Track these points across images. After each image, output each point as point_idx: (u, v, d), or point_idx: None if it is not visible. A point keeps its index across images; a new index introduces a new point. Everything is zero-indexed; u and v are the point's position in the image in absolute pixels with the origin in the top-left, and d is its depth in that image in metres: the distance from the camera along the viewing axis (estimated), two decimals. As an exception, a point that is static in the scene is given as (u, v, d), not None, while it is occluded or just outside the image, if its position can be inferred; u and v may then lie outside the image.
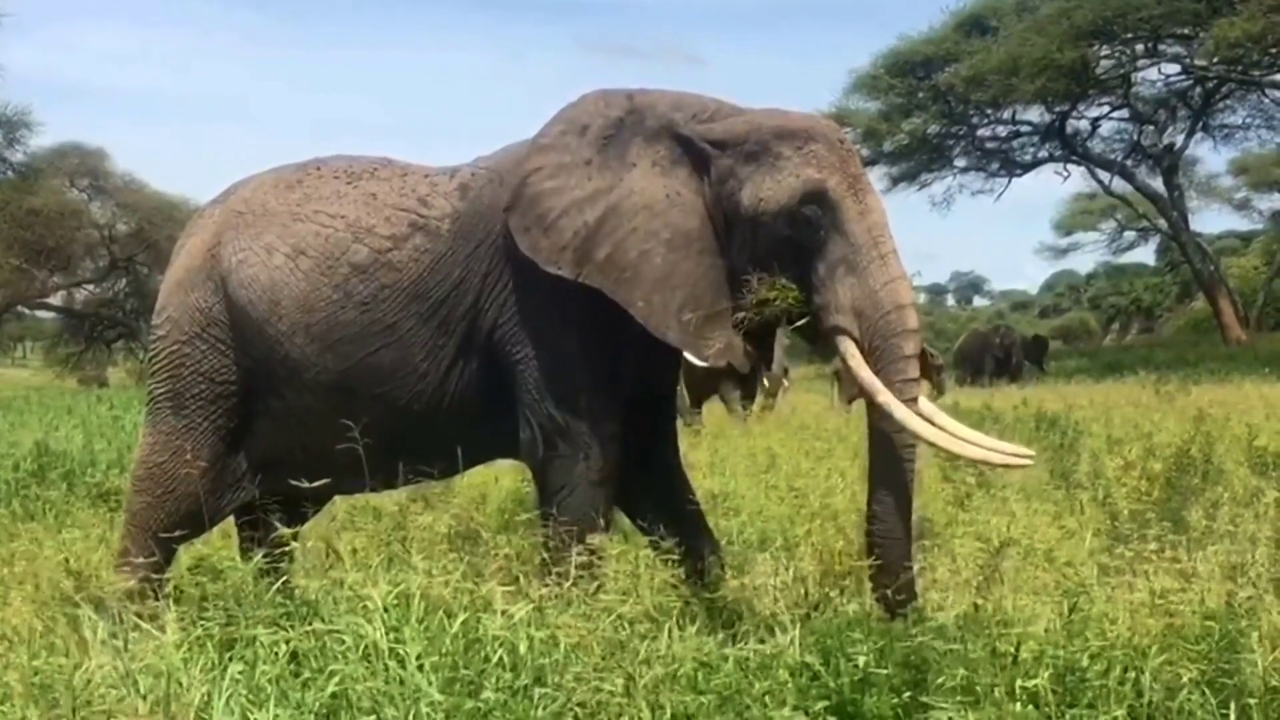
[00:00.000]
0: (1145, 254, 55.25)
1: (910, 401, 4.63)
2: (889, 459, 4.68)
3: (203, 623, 4.22)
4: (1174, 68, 36.17)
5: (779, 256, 4.77)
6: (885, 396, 4.58)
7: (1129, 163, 39.77)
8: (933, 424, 4.70)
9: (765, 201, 4.78)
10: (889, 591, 4.51)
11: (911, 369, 4.66)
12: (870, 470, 4.75)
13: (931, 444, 4.69)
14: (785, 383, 19.80)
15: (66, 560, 5.88)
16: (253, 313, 5.17)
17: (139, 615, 4.53)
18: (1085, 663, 3.76)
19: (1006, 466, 4.85)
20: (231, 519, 5.63)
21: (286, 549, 4.61)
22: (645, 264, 4.83)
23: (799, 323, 4.82)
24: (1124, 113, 39.08)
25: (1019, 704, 3.59)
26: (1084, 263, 69.15)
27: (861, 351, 4.67)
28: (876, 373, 4.62)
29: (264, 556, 4.73)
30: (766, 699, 3.65)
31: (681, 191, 4.90)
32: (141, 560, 5.17)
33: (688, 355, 5.08)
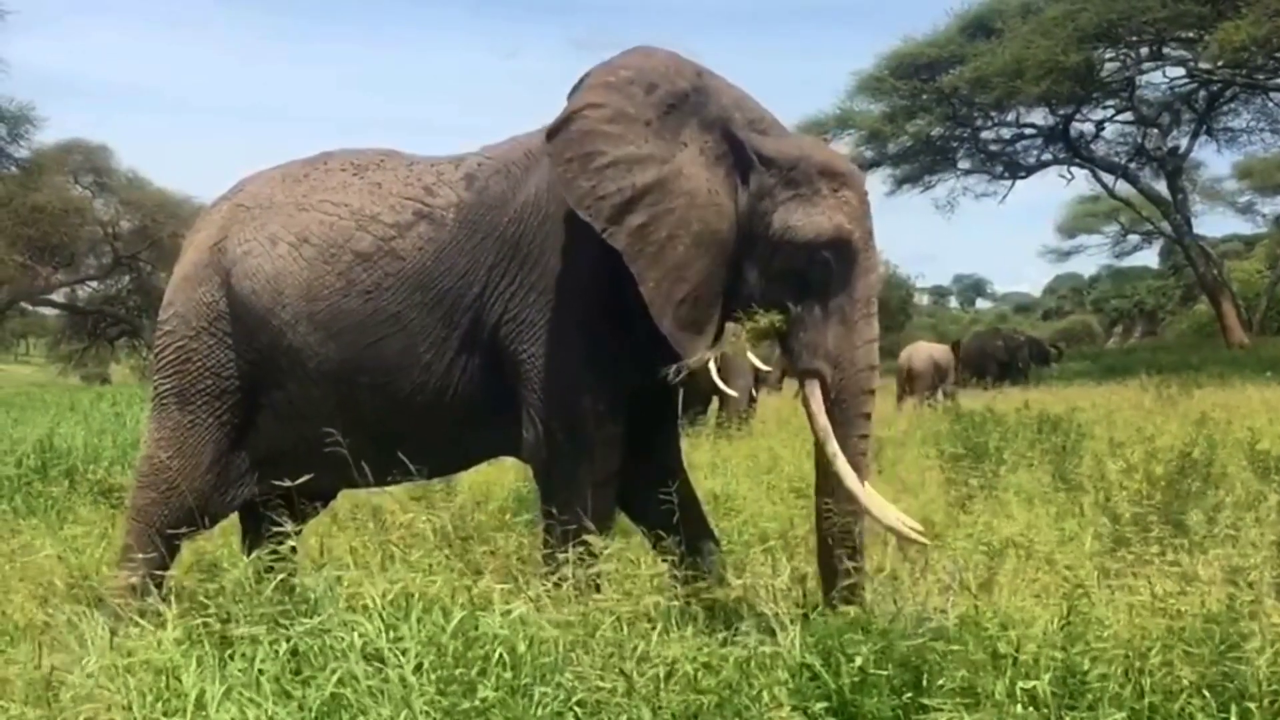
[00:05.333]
0: (1148, 257, 55.35)
1: (859, 455, 4.83)
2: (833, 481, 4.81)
3: (202, 620, 4.22)
4: (1178, 71, 36.17)
5: (784, 284, 4.84)
6: (834, 448, 4.75)
7: (1133, 166, 39.76)
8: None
9: (791, 231, 4.82)
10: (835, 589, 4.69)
11: (866, 426, 4.89)
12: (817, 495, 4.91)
13: (858, 500, 4.75)
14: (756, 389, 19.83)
15: (60, 556, 5.89)
16: (257, 303, 5.17)
17: (140, 611, 4.53)
18: (1086, 665, 3.75)
19: (907, 540, 4.91)
20: (236, 515, 5.63)
21: (287, 546, 4.61)
22: (669, 248, 4.82)
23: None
24: (1128, 116, 39.06)
25: (1019, 706, 3.59)
26: (1087, 265, 69.38)
27: (826, 396, 4.81)
28: (838, 422, 4.78)
29: (266, 553, 4.73)
30: (766, 699, 3.64)
31: (720, 190, 4.91)
32: (144, 556, 5.17)
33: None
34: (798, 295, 4.83)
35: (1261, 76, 34.58)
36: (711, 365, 5.05)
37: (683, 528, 5.05)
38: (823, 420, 4.78)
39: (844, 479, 4.71)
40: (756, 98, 5.14)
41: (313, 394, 5.16)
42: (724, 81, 5.11)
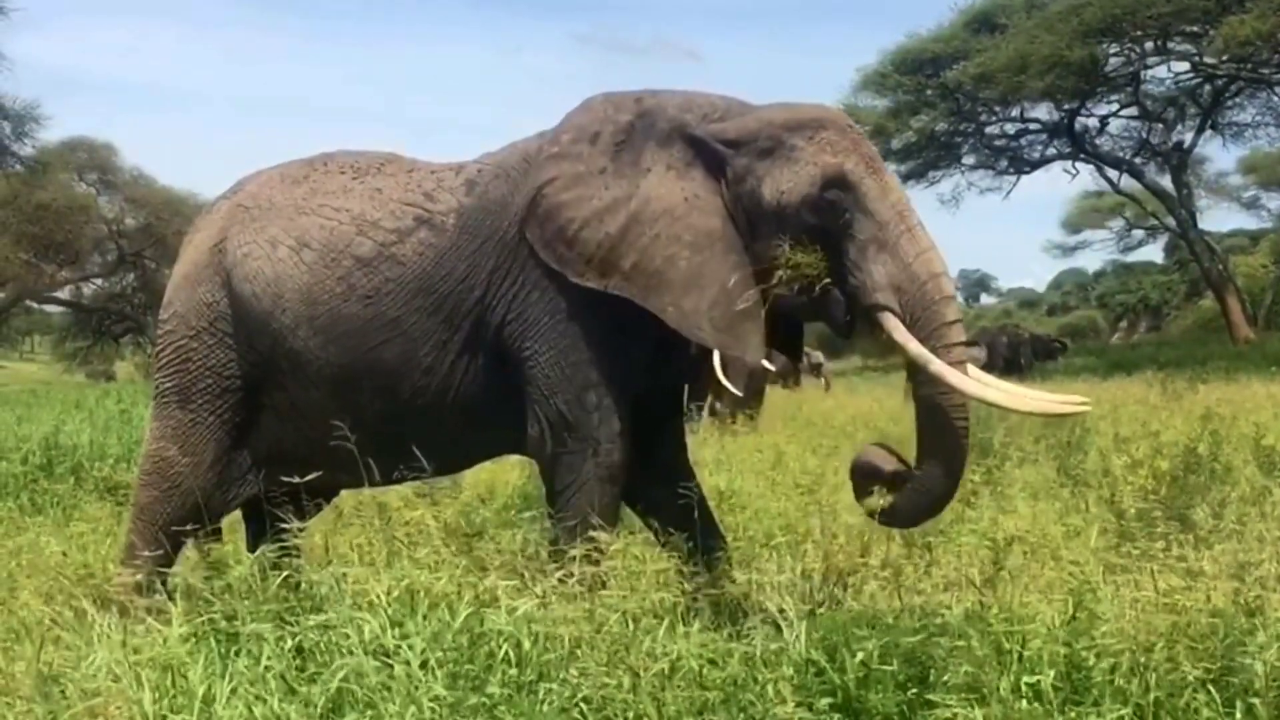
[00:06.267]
0: (1153, 252, 55.30)
1: (959, 364, 4.62)
2: (941, 430, 4.64)
3: (208, 617, 4.23)
4: (1183, 66, 36.10)
5: (809, 245, 4.74)
6: (937, 365, 4.55)
7: (1138, 161, 39.69)
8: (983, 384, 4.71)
9: (787, 194, 4.77)
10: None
11: (956, 333, 4.66)
12: (921, 442, 4.71)
13: (987, 402, 4.68)
14: (824, 378, 19.87)
15: (65, 553, 5.90)
16: (257, 306, 5.18)
17: (145, 609, 4.54)
18: (1091, 660, 3.76)
19: (1064, 415, 4.84)
20: (239, 513, 5.64)
21: (291, 544, 4.62)
22: (671, 269, 4.82)
23: (817, 314, 4.87)
24: (1133, 111, 38.99)
25: (1024, 701, 3.59)
26: (1092, 261, 69.24)
27: (904, 324, 4.65)
28: (925, 340, 4.61)
29: (269, 550, 4.74)
30: (771, 694, 3.64)
31: (700, 193, 4.89)
32: (148, 554, 5.19)
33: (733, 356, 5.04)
34: (828, 249, 4.74)
35: (1266, 71, 34.55)
36: (715, 361, 5.03)
37: (687, 523, 5.04)
38: (913, 345, 4.60)
39: (960, 387, 4.55)
40: (709, 90, 5.13)
41: (314, 396, 5.18)
42: (667, 93, 5.10)
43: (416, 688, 3.59)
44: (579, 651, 3.83)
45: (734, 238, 4.88)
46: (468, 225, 5.05)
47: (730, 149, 4.90)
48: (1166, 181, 39.07)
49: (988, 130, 39.97)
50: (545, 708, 3.58)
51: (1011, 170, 40.87)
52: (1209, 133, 39.13)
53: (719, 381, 5.20)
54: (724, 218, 4.89)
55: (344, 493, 5.90)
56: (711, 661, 3.81)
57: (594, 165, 4.95)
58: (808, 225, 4.75)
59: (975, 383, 4.63)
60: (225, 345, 5.29)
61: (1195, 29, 33.53)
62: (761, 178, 4.84)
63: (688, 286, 4.81)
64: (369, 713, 3.57)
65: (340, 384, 5.11)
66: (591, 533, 4.57)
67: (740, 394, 12.57)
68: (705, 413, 14.27)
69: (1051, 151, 40.42)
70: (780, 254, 4.74)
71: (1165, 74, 37.11)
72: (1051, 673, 3.66)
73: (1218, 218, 76.10)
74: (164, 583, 5.18)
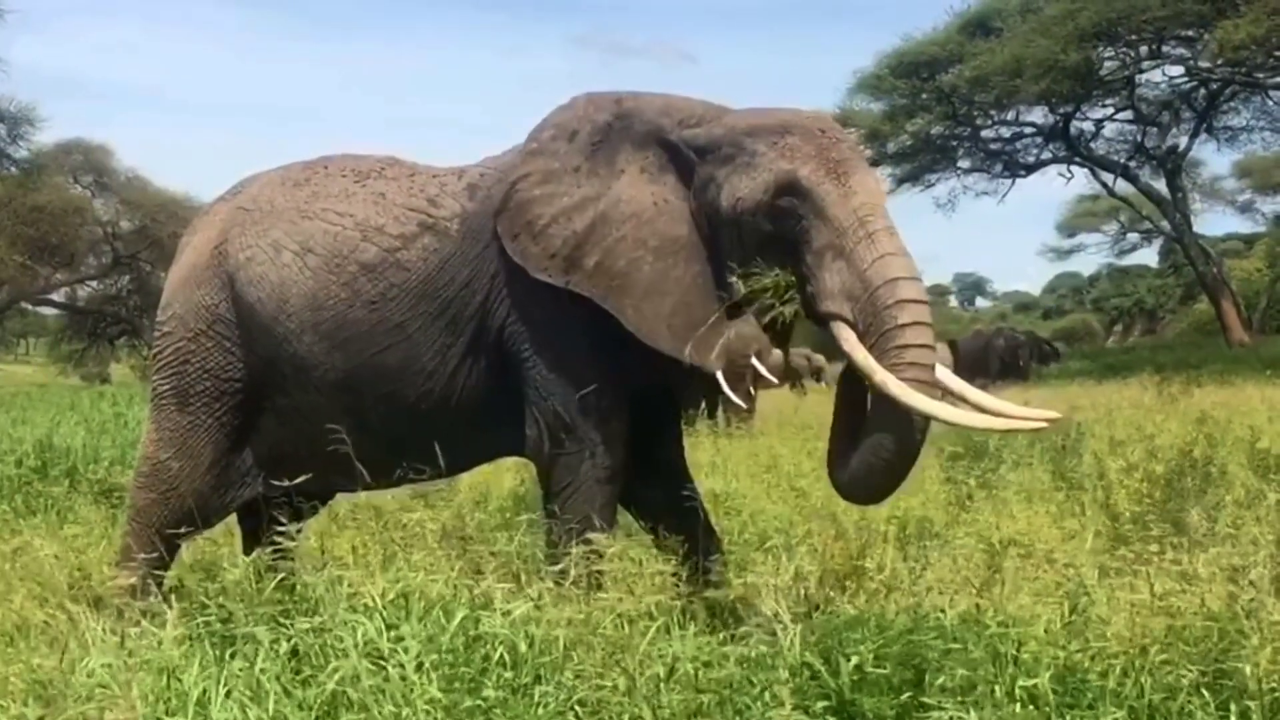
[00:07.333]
0: (1148, 256, 55.37)
1: (917, 370, 4.42)
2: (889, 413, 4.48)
3: (203, 619, 4.23)
4: (1178, 70, 36.08)
5: (767, 253, 4.74)
6: (881, 376, 4.40)
7: (1132, 164, 39.69)
8: (947, 394, 4.57)
9: (742, 201, 4.76)
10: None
11: (909, 336, 4.44)
12: (870, 412, 4.57)
13: (936, 418, 4.49)
14: (824, 381, 19.85)
15: (59, 556, 5.90)
16: (260, 310, 5.17)
17: (140, 611, 4.53)
18: (1086, 663, 3.76)
19: (1021, 431, 4.68)
20: (235, 516, 5.64)
21: (287, 547, 4.62)
22: (634, 272, 4.83)
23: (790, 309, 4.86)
24: (1128, 114, 38.98)
25: (1019, 704, 3.59)
26: (1087, 264, 69.30)
27: (858, 334, 4.52)
28: (875, 348, 4.46)
29: (264, 553, 4.74)
30: (767, 697, 3.64)
31: (669, 199, 4.91)
32: (144, 556, 5.18)
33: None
34: (787, 258, 4.70)
35: (1261, 75, 34.54)
36: (719, 373, 4.99)
37: (683, 525, 5.06)
38: (860, 355, 4.45)
39: (905, 401, 4.35)
40: (691, 95, 5.13)
41: (317, 400, 5.18)
42: (648, 96, 5.11)
43: (411, 690, 3.59)
44: (575, 654, 3.83)
45: (699, 246, 4.88)
46: (471, 230, 5.07)
47: (698, 156, 4.91)
48: (1161, 185, 39.09)
49: (983, 133, 39.92)
50: (540, 710, 3.58)
51: (1007, 173, 40.84)
52: (1204, 136, 39.12)
53: (720, 392, 5.15)
54: (691, 226, 4.89)
55: (340, 495, 5.90)
56: (707, 664, 3.81)
57: (569, 163, 4.97)
58: (764, 233, 4.73)
59: (922, 396, 4.41)
60: (224, 348, 5.29)
61: (1190, 33, 33.53)
62: (721, 185, 4.83)
63: (649, 292, 4.81)
64: (364, 715, 3.57)
65: (344, 388, 5.11)
66: (589, 534, 4.57)
67: (743, 404, 12.47)
68: (703, 414, 14.26)
69: (1046, 155, 40.41)
70: (736, 280, 4.74)
71: (1160, 78, 37.13)
72: (1047, 676, 3.65)
73: (1212, 221, 76.21)
74: (159, 585, 5.18)
